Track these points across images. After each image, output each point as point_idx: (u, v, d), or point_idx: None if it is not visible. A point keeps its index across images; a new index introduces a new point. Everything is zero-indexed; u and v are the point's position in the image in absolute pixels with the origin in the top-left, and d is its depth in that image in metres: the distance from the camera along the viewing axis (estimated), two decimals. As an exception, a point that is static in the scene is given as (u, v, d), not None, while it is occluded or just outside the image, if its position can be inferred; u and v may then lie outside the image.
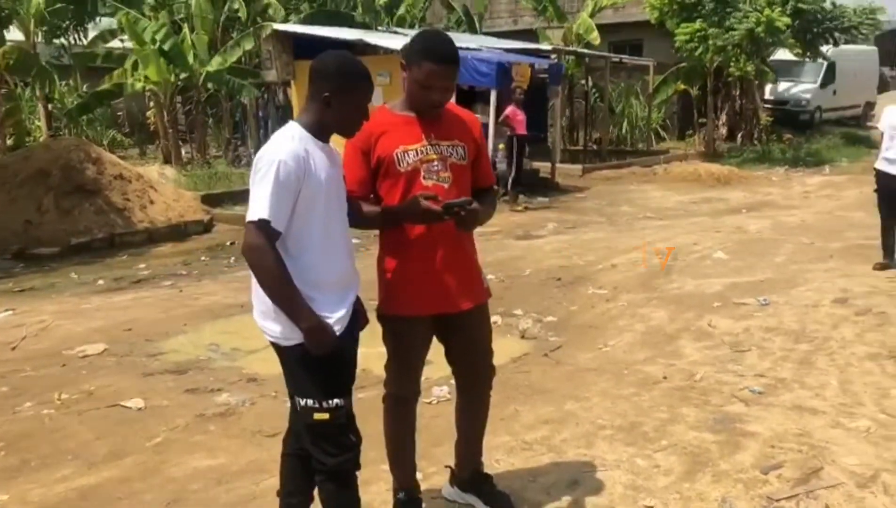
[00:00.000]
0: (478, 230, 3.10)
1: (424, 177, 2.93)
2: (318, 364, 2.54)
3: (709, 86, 19.85)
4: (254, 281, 2.55)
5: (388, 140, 2.92)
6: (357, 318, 2.75)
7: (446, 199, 2.85)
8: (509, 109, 12.46)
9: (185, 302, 7.08)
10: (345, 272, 2.68)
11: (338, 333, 2.57)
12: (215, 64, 16.00)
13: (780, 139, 20.86)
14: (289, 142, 2.50)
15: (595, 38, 19.28)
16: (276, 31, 14.89)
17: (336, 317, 2.58)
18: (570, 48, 19.14)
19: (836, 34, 19.28)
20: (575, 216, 11.89)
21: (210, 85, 16.94)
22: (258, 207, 2.42)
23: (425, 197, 2.82)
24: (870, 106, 27.91)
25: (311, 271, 2.54)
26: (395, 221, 2.94)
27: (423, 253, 2.96)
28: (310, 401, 2.58)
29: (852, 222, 10.43)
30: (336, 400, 2.58)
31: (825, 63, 22.36)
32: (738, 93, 20.80)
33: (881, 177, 7.48)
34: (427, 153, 2.93)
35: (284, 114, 16.85)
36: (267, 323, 2.58)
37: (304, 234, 2.53)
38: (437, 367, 3.29)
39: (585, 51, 19.19)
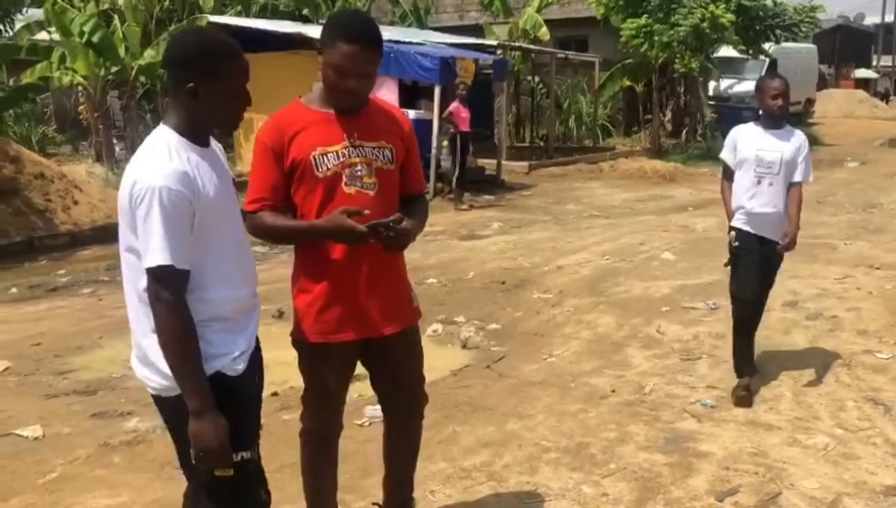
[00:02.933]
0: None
1: (346, 184, 2.55)
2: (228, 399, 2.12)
3: (654, 82, 19.84)
4: (134, 320, 2.14)
5: (305, 140, 2.54)
6: (259, 353, 2.35)
7: (372, 209, 2.49)
8: (453, 106, 12.14)
9: (104, 313, 6.58)
10: (241, 299, 2.23)
11: (238, 372, 2.17)
12: (148, 57, 15.31)
13: (724, 136, 20.94)
14: (166, 158, 2.04)
15: (544, 33, 19.10)
16: (211, 24, 14.29)
17: (235, 355, 2.17)
18: (516, 44, 18.90)
19: (778, 32, 19.43)
20: (520, 215, 11.62)
21: (144, 79, 16.24)
22: (153, 251, 2.00)
23: (349, 212, 2.45)
24: (810, 102, 28.41)
25: (203, 306, 2.10)
26: (314, 238, 2.58)
27: (344, 271, 2.59)
28: None
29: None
30: (242, 453, 2.15)
31: (767, 60, 22.56)
32: (682, 89, 20.86)
33: (743, 240, 4.49)
34: (349, 156, 2.55)
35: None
36: (146, 371, 2.15)
37: (209, 260, 2.12)
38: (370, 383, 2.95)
39: (530, 46, 18.99)
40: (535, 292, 6.91)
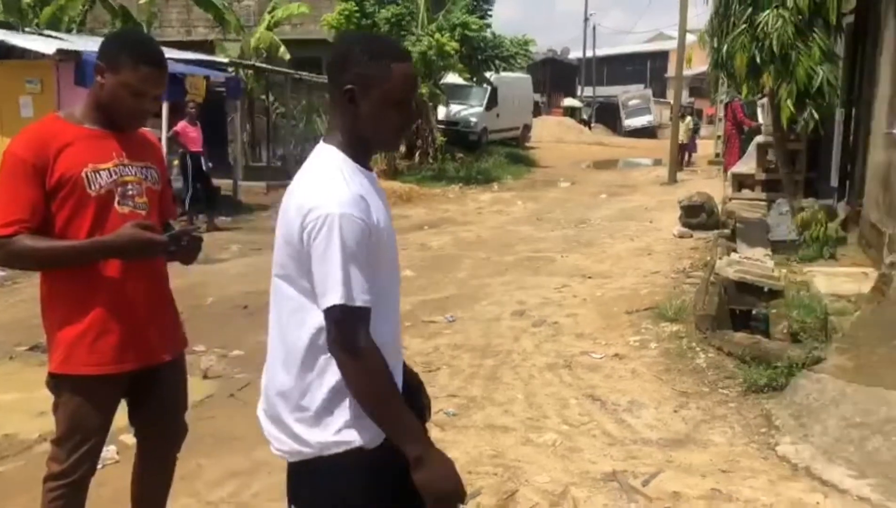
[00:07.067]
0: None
1: (119, 203, 2.44)
2: (377, 476, 1.82)
3: (387, 105, 20.49)
4: (288, 367, 1.84)
5: (74, 155, 2.37)
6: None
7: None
8: (179, 126, 11.64)
9: None
10: (396, 346, 1.95)
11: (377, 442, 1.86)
12: None
13: (454, 158, 22.21)
14: (341, 182, 1.77)
15: (284, 52, 18.98)
16: None
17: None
18: (249, 62, 18.58)
19: (497, 62, 21.03)
20: (261, 236, 11.36)
21: None
22: (333, 288, 1.71)
23: (142, 226, 2.35)
24: (527, 128, 30.98)
25: None
26: (98, 257, 2.39)
27: (121, 294, 2.44)
28: None
29: (521, 236, 11.27)
30: None
31: (489, 88, 24.32)
32: (414, 113, 21.77)
33: None
34: (121, 174, 2.45)
35: None
36: (307, 430, 1.82)
37: (375, 306, 1.86)
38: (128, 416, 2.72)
39: (264, 65, 18.77)
40: (278, 315, 6.80)
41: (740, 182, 12.59)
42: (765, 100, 11.14)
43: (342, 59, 1.84)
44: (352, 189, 1.77)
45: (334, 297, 1.70)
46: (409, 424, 1.76)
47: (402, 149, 21.61)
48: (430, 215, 14.02)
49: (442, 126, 23.36)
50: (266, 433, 1.92)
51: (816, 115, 8.85)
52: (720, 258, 7.46)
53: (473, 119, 25.07)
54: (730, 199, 12.21)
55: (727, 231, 9.91)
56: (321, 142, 1.91)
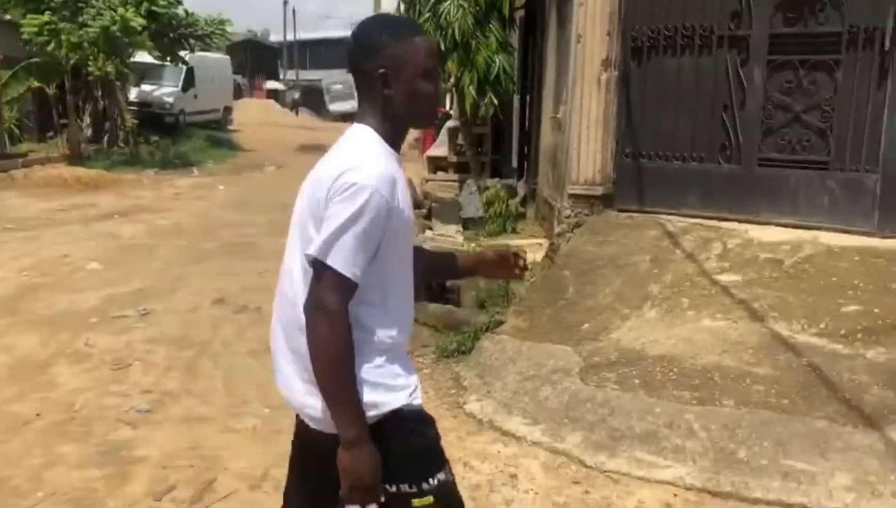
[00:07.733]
0: None
1: None
2: (408, 432, 1.86)
3: (67, 84, 18.66)
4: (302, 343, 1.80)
5: None
6: None
7: None
8: None
9: None
10: (402, 345, 1.94)
11: (418, 402, 1.90)
12: None
13: (148, 141, 20.86)
14: (380, 158, 1.81)
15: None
16: None
17: (411, 389, 1.89)
18: None
19: (192, 41, 20.07)
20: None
21: None
22: (335, 249, 1.71)
23: None
24: (228, 110, 30.01)
25: (386, 334, 1.85)
26: None
27: None
28: (404, 486, 1.84)
29: (224, 221, 10.93)
30: (440, 476, 1.88)
31: (185, 68, 23.14)
32: (100, 93, 20.07)
33: None
34: None
35: None
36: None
37: (388, 286, 1.86)
38: None
39: None
40: (-66, 321, 5.95)
41: (436, 164, 13.32)
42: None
43: (367, 46, 1.88)
44: (390, 168, 1.82)
45: (332, 257, 1.72)
46: (356, 406, 1.77)
47: (89, 132, 19.91)
48: (120, 202, 13.03)
49: (134, 107, 21.82)
50: (314, 412, 1.84)
51: (496, 101, 9.61)
52: (417, 236, 7.86)
53: (169, 100, 23.71)
54: (427, 181, 12.87)
55: (424, 210, 10.45)
56: (355, 123, 1.92)
